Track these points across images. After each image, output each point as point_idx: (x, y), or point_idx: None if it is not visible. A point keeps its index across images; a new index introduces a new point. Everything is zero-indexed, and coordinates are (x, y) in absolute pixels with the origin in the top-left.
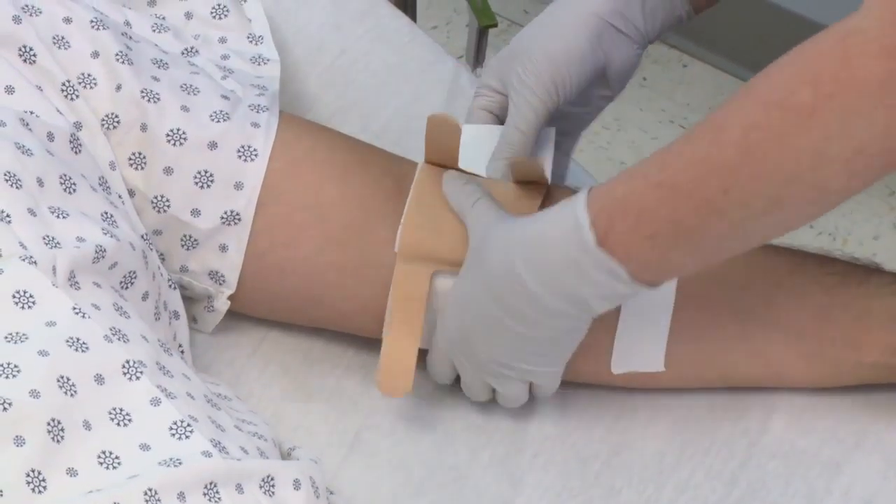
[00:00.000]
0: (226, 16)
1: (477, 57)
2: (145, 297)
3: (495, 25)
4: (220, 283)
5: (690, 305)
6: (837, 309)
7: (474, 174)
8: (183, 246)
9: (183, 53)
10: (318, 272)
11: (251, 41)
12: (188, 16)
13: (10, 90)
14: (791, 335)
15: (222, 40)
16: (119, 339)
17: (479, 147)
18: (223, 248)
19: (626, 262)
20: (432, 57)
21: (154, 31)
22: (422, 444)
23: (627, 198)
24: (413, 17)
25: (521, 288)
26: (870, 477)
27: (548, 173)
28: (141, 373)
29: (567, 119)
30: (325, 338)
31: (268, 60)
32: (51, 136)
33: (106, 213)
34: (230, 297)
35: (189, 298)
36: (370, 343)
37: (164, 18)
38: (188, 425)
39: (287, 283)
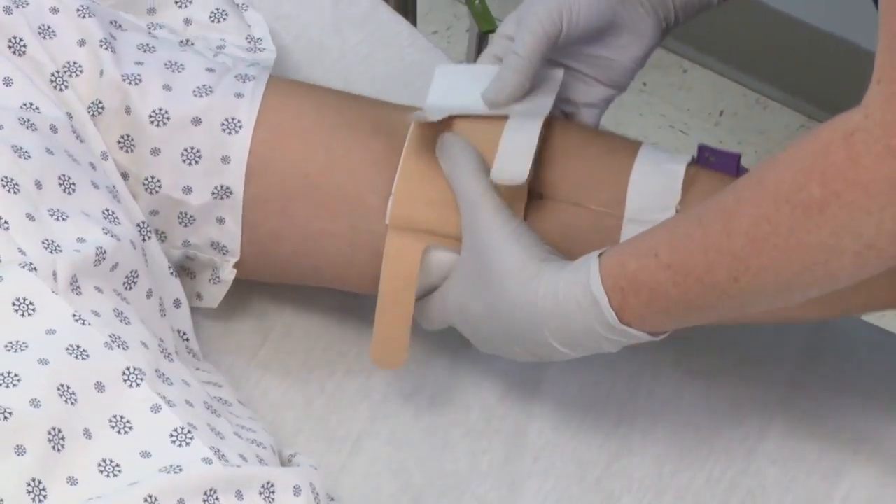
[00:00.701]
0: (224, 19)
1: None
2: (149, 294)
3: (495, 30)
4: (224, 253)
5: None
6: None
7: (478, 114)
8: (181, 223)
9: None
10: (313, 239)
11: (249, 42)
12: (187, 22)
13: (8, 82)
14: None
15: (221, 42)
16: (119, 346)
17: (459, 86)
18: (220, 220)
19: (642, 328)
20: (432, 62)
21: (150, 29)
22: (421, 449)
23: (639, 276)
24: (413, 21)
25: (540, 341)
26: (869, 483)
27: (548, 107)
28: (141, 380)
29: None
30: (325, 342)
31: (264, 49)
32: (54, 128)
33: (107, 210)
34: (235, 266)
35: (192, 276)
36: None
37: (162, 26)
38: (188, 432)
39: (284, 249)
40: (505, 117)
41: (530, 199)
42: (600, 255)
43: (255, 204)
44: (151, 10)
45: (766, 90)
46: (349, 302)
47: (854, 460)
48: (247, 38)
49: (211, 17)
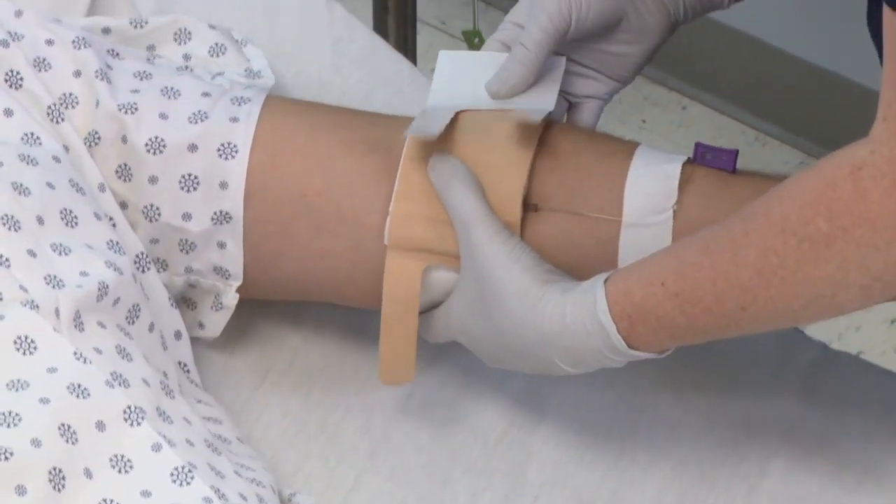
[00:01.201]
0: (223, 53)
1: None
2: (151, 328)
3: None
4: (227, 278)
5: None
6: None
7: (481, 109)
8: (182, 250)
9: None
10: (314, 259)
11: (248, 74)
12: (186, 57)
13: (8, 113)
14: None
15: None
16: (120, 384)
17: (464, 73)
18: (221, 245)
19: (649, 351)
20: None
21: (149, 59)
22: (421, 487)
23: (646, 304)
24: (413, 59)
25: (545, 359)
26: None
27: (552, 102)
28: (142, 419)
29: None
30: (326, 378)
31: (262, 77)
32: (57, 159)
33: (111, 241)
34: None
35: (193, 306)
36: (371, 383)
37: (162, 57)
38: (189, 471)
39: (286, 269)
40: (508, 112)
41: (526, 210)
42: (605, 280)
43: (254, 226)
44: (151, 47)
45: (765, 127)
46: (351, 337)
47: (855, 497)
48: (245, 71)
49: (210, 51)
